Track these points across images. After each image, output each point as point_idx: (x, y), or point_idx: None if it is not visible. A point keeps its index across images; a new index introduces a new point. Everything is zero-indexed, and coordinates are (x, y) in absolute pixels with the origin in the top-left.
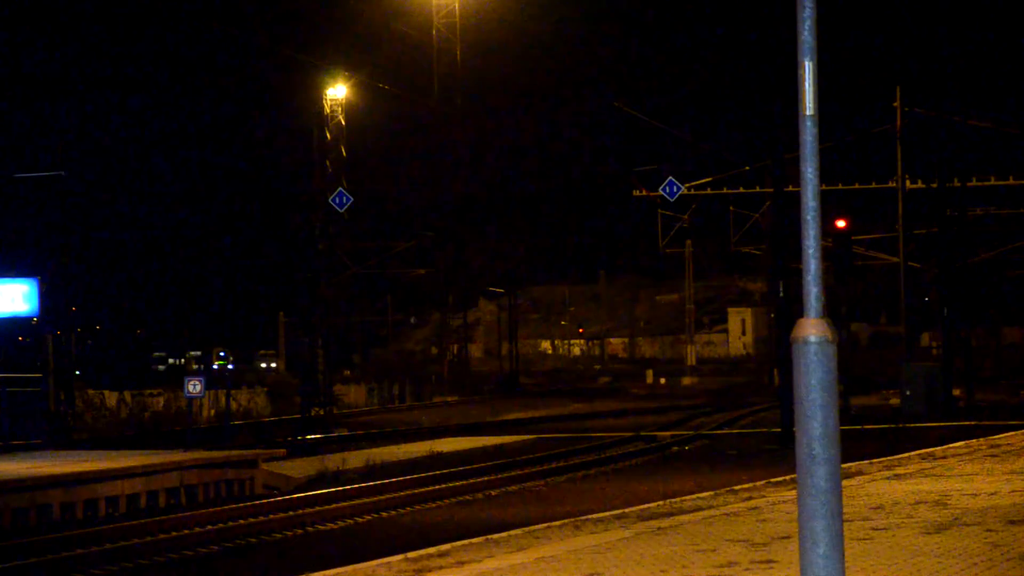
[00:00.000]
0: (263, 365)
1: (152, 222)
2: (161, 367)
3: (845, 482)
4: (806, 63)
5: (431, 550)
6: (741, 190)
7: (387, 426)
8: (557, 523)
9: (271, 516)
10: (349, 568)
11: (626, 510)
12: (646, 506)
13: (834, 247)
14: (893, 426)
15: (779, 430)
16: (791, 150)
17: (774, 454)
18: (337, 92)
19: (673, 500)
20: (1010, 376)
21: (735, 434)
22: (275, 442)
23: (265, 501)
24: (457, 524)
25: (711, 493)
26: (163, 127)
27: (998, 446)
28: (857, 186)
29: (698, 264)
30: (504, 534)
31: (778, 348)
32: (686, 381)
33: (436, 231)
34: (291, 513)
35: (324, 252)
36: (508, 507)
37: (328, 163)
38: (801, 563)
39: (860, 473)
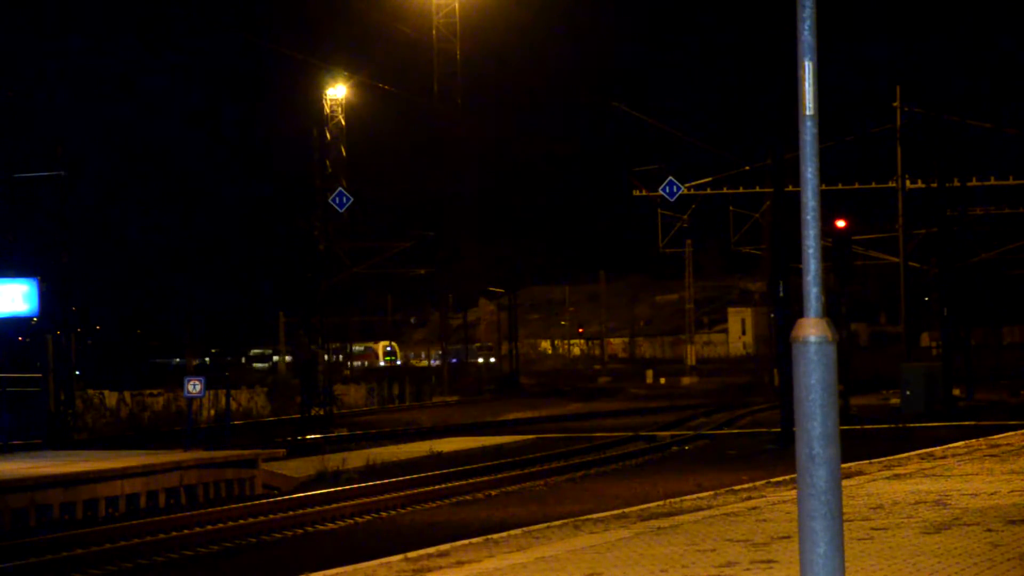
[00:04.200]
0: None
1: (152, 222)
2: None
3: (845, 482)
4: (806, 63)
5: (431, 550)
6: (741, 190)
7: (387, 426)
8: (557, 523)
9: (271, 516)
10: (349, 568)
11: (626, 510)
12: (646, 506)
13: (834, 247)
14: (893, 426)
15: (779, 430)
16: (791, 150)
17: (774, 454)
18: (337, 92)
19: (673, 500)
20: (1010, 376)
21: (735, 434)
22: (275, 442)
23: (265, 501)
24: (457, 524)
25: (711, 493)
26: (163, 126)
27: (998, 446)
28: (857, 186)
29: (698, 264)
30: (504, 534)
31: (778, 348)
32: (686, 381)
33: (436, 231)
34: (291, 513)
35: (324, 252)
36: (508, 507)
37: (328, 163)
38: (801, 563)
39: (860, 473)
